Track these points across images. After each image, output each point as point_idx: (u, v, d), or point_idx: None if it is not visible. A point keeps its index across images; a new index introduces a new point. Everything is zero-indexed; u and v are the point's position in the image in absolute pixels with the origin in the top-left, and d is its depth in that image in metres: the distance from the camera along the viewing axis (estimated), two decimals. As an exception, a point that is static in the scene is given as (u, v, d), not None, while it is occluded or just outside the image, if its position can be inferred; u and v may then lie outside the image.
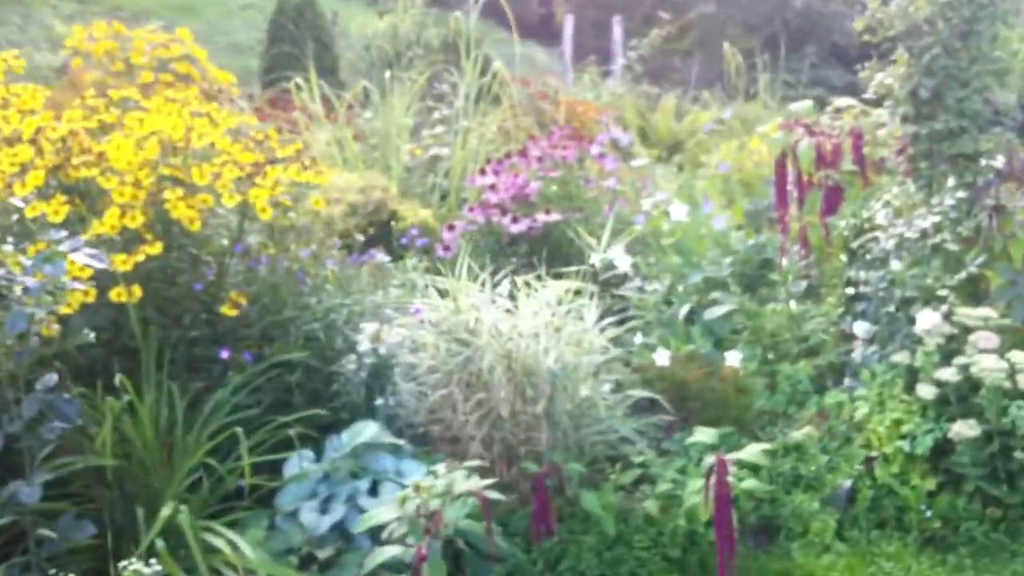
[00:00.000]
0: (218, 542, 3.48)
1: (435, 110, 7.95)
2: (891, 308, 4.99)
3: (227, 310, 4.28)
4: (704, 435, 4.25)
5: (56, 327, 3.56)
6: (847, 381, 5.08)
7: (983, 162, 5.03)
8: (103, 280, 4.01)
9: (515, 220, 5.85)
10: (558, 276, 4.61)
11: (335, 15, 12.83)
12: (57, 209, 3.89)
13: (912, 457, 4.50)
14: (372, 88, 7.95)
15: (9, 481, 3.40)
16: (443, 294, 4.39)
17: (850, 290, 5.33)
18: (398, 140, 7.24)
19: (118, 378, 3.69)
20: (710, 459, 3.89)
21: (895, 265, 5.01)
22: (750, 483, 4.16)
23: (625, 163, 6.57)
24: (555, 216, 5.80)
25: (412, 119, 7.59)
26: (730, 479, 3.97)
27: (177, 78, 9.41)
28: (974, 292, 4.93)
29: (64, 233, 3.43)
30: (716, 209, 6.21)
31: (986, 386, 4.39)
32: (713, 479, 3.82)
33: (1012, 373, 4.38)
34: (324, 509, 3.90)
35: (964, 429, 4.38)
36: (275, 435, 4.09)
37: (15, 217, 3.93)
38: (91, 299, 3.79)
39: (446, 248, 5.88)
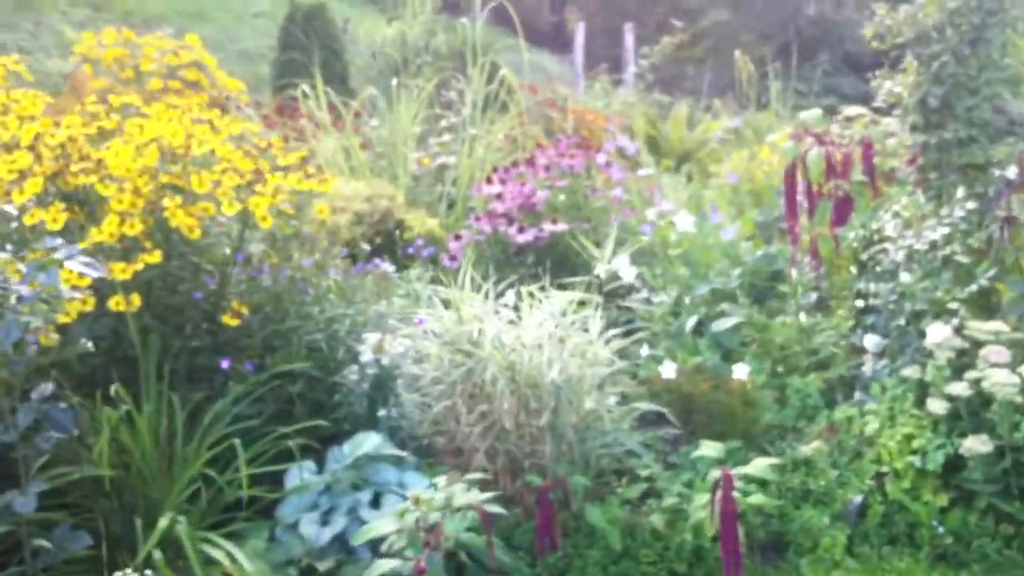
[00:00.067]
0: (216, 553, 3.44)
1: (443, 118, 7.90)
2: (901, 321, 4.93)
3: (228, 319, 4.24)
4: (710, 449, 4.19)
5: (54, 336, 3.52)
6: (857, 395, 5.01)
7: (995, 172, 4.96)
8: (103, 289, 3.97)
9: (521, 230, 5.80)
10: (564, 287, 4.56)
11: (346, 22, 12.78)
12: (55, 217, 3.85)
13: (923, 472, 4.43)
14: (379, 96, 7.90)
15: (5, 491, 3.36)
16: (447, 304, 4.34)
17: (860, 303, 5.26)
18: (405, 148, 7.20)
19: (114, 388, 3.65)
20: (715, 473, 3.83)
21: (905, 277, 4.94)
22: (757, 498, 4.10)
23: (632, 172, 6.51)
24: (562, 226, 5.75)
25: (419, 127, 7.54)
26: (737, 494, 3.92)
27: (186, 85, 9.41)
28: (985, 305, 4.86)
29: (59, 241, 3.39)
30: (725, 219, 6.15)
31: (998, 401, 4.33)
32: (719, 494, 3.76)
33: (1024, 388, 4.32)
34: (325, 521, 3.86)
35: (976, 445, 4.32)
36: (276, 446, 4.05)
37: (14, 224, 3.89)
38: (89, 308, 3.75)
39: (452, 258, 5.83)
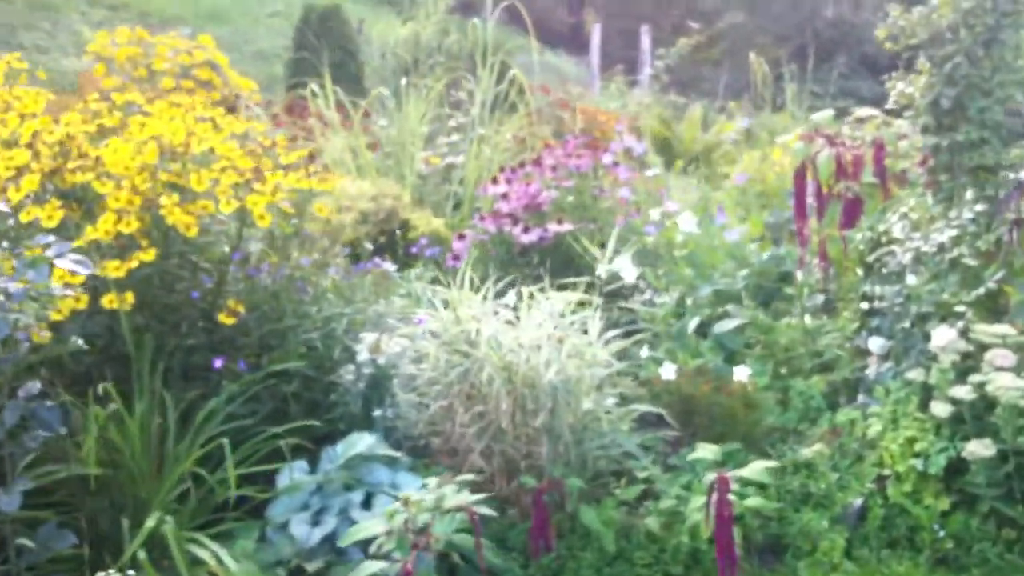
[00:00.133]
0: (203, 554, 3.42)
1: (451, 118, 7.88)
2: (906, 324, 4.87)
3: (224, 318, 4.22)
4: (706, 451, 4.15)
5: (46, 334, 3.51)
6: (861, 398, 4.96)
7: (1007, 175, 4.90)
8: (99, 287, 3.97)
9: (526, 230, 5.78)
10: (564, 287, 4.54)
11: (361, 23, 12.80)
12: (51, 214, 3.84)
13: (925, 476, 4.38)
14: (387, 95, 7.89)
15: (-8, 489, 3.35)
16: (445, 304, 4.32)
17: (865, 305, 5.21)
18: (412, 148, 7.18)
19: (101, 387, 3.63)
20: (711, 476, 3.80)
21: (911, 280, 4.89)
22: (754, 501, 4.06)
23: (640, 173, 6.48)
24: (567, 226, 5.72)
25: (427, 127, 7.53)
26: (734, 497, 3.89)
27: (198, 84, 9.43)
28: (993, 308, 4.80)
29: (51, 238, 3.37)
30: (735, 221, 6.11)
31: (1002, 405, 4.27)
32: (715, 497, 3.73)
33: (1029, 392, 4.27)
34: (316, 521, 3.83)
35: (979, 448, 4.26)
36: (270, 445, 4.03)
37: (11, 222, 3.89)
38: (83, 306, 3.74)
39: (455, 258, 5.81)
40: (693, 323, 5.05)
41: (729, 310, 5.22)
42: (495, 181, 6.23)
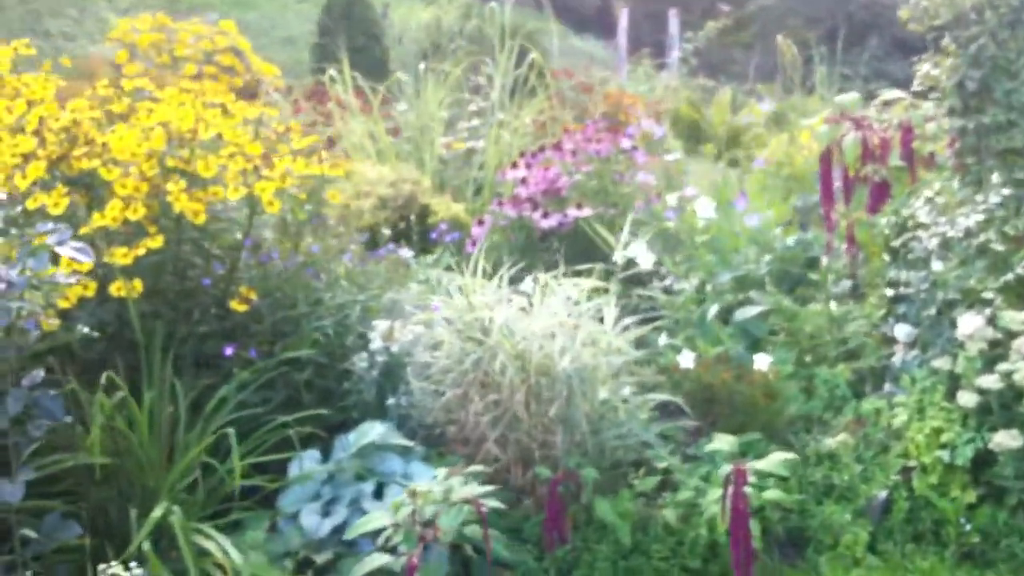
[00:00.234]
0: (210, 545, 3.37)
1: (472, 102, 7.80)
2: (932, 311, 4.77)
3: (236, 305, 4.18)
4: (723, 443, 4.06)
5: (54, 321, 3.47)
6: (887, 386, 4.86)
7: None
8: (111, 274, 3.93)
9: (546, 215, 5.71)
10: (580, 273, 4.46)
11: (386, 7, 12.73)
12: (57, 201, 3.80)
13: (952, 468, 4.28)
14: (407, 80, 7.82)
15: (-3, 478, 3.32)
16: (460, 291, 4.25)
17: (891, 291, 5.10)
18: (432, 133, 7.11)
19: (105, 375, 3.59)
20: (727, 468, 3.72)
21: (937, 266, 4.78)
22: (773, 493, 3.97)
23: (660, 157, 6.39)
24: (586, 211, 5.64)
25: (447, 112, 7.46)
26: (753, 489, 3.81)
27: (221, 70, 9.42)
28: (1022, 294, 4.68)
29: (50, 225, 3.33)
30: (762, 205, 6.01)
31: (1030, 394, 4.17)
32: (731, 490, 3.65)
33: (1058, 381, 4.16)
34: (326, 512, 3.78)
35: (1006, 440, 4.16)
36: (282, 434, 3.98)
37: (19, 208, 3.85)
38: (90, 293, 3.70)
39: (475, 243, 5.74)
40: (713, 310, 4.96)
41: (752, 296, 5.13)
42: (514, 166, 6.16)
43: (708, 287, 5.11)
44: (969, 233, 4.77)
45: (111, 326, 3.99)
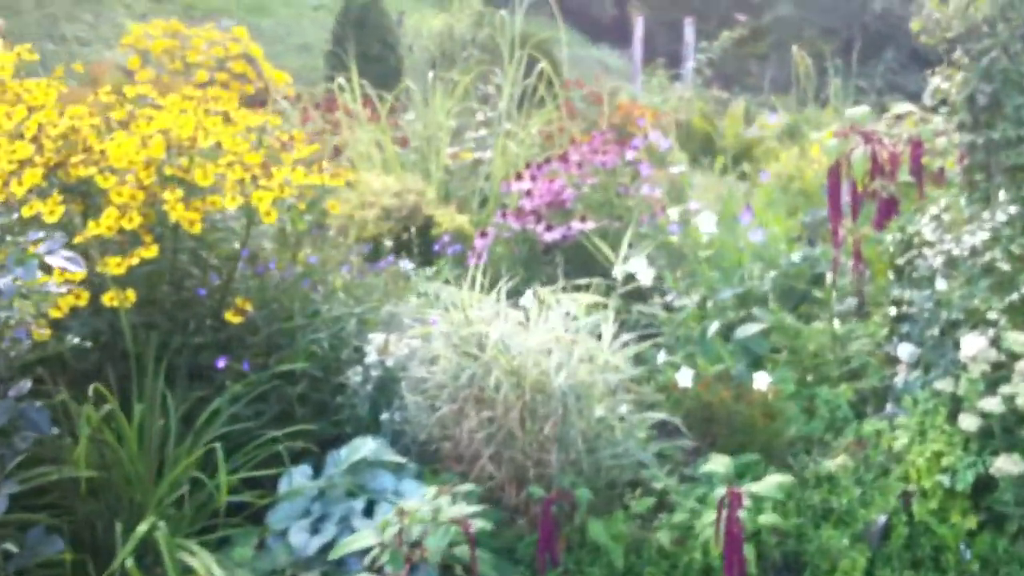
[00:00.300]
0: (194, 562, 3.34)
1: (479, 112, 7.77)
2: (936, 331, 4.70)
3: (231, 316, 4.15)
4: (718, 464, 4.01)
5: (45, 331, 3.45)
6: (889, 407, 4.80)
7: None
8: (105, 283, 3.90)
9: (549, 228, 5.67)
10: (581, 288, 4.43)
11: (401, 16, 12.73)
12: (52, 208, 3.78)
13: (952, 493, 4.21)
14: (414, 89, 7.80)
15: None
16: (456, 305, 4.21)
17: (895, 310, 5.05)
18: (439, 143, 7.08)
19: (92, 387, 3.56)
20: (721, 490, 3.67)
21: (941, 285, 4.72)
22: (768, 517, 3.92)
23: (665, 169, 6.35)
24: (590, 224, 5.60)
25: (455, 121, 7.43)
26: (749, 512, 3.76)
27: (233, 77, 9.41)
28: (1027, 316, 4.63)
29: (40, 234, 3.30)
30: (769, 220, 5.96)
31: (1033, 419, 4.11)
32: (725, 513, 3.60)
33: (1061, 406, 4.10)
34: (316, 529, 3.74)
35: (1007, 465, 4.09)
36: (274, 448, 3.95)
37: (15, 216, 3.83)
38: (83, 303, 3.67)
39: (477, 256, 5.71)
40: (714, 327, 4.91)
41: (755, 313, 5.08)
42: (519, 177, 6.12)
43: (709, 303, 5.06)
44: (975, 252, 4.71)
45: (104, 336, 3.97)
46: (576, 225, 5.63)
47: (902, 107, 6.25)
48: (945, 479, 4.20)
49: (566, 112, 8.27)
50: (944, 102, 5.27)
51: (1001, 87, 4.79)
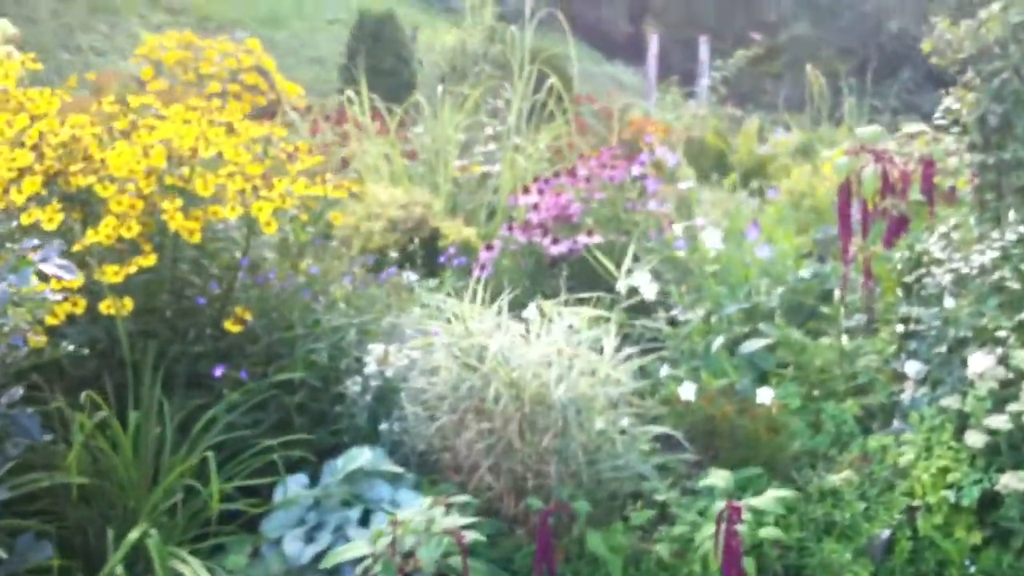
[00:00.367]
0: (185, 570, 3.32)
1: (489, 126, 7.77)
2: (943, 348, 4.67)
3: (230, 325, 4.14)
4: (718, 478, 3.98)
5: (40, 338, 3.44)
6: (896, 423, 4.76)
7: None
8: (104, 291, 3.90)
9: (555, 241, 5.65)
10: (585, 301, 4.41)
11: (415, 30, 12.77)
12: (51, 216, 3.78)
13: (958, 508, 4.17)
14: (424, 103, 7.80)
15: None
16: (457, 317, 4.20)
17: (903, 327, 5.01)
18: (447, 156, 7.08)
19: (84, 394, 3.55)
20: (721, 504, 3.64)
21: (949, 302, 4.69)
22: (769, 531, 3.88)
23: (672, 185, 6.33)
24: (596, 239, 5.58)
25: (464, 135, 7.42)
26: (749, 525, 3.73)
27: (245, 88, 9.44)
28: (1035, 334, 4.59)
29: (35, 241, 3.30)
30: (779, 236, 5.93)
31: (1039, 436, 4.07)
32: (724, 527, 3.57)
33: (1067, 424, 4.06)
34: (311, 538, 3.72)
35: (1013, 481, 4.05)
36: (272, 457, 3.93)
37: (15, 223, 3.83)
38: (79, 310, 3.67)
39: (482, 268, 5.69)
40: (718, 341, 4.88)
41: (761, 328, 5.05)
42: (526, 191, 6.12)
43: (714, 318, 5.04)
44: (984, 270, 4.68)
45: (102, 344, 3.96)
46: (582, 239, 5.61)
47: (914, 126, 6.24)
48: (950, 495, 4.16)
49: (576, 127, 8.27)
50: (956, 122, 5.25)
51: (1012, 108, 4.78)
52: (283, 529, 3.76)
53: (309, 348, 4.26)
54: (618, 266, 5.03)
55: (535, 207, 5.93)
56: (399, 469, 4.01)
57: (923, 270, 5.00)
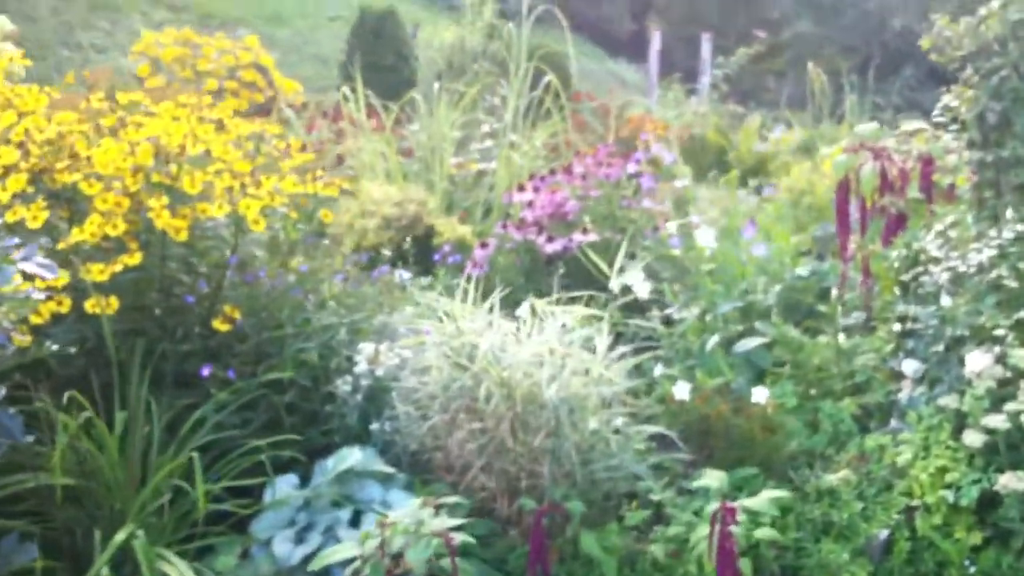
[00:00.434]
0: (172, 571, 3.28)
1: (485, 123, 7.72)
2: (941, 347, 4.63)
3: (219, 324, 4.10)
4: (712, 479, 3.93)
5: (24, 338, 3.41)
6: (893, 423, 4.71)
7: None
8: (91, 290, 3.86)
9: (550, 239, 5.61)
10: (575, 300, 4.37)
11: (416, 27, 12.72)
12: (36, 214, 3.74)
13: (957, 508, 4.13)
14: (419, 100, 7.76)
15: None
16: (448, 316, 4.16)
17: (900, 326, 4.97)
18: (443, 153, 7.03)
19: (66, 394, 3.52)
20: (713, 505, 3.60)
21: (946, 301, 4.64)
22: (764, 532, 3.84)
23: (668, 183, 6.28)
24: (591, 236, 5.54)
25: (459, 132, 7.38)
26: (745, 526, 3.69)
27: (243, 86, 9.40)
28: (1034, 333, 4.54)
29: (16, 240, 3.26)
30: (778, 234, 5.89)
31: (1038, 436, 4.02)
32: (718, 528, 3.53)
33: (1066, 423, 4.01)
34: (300, 539, 3.68)
35: (1012, 481, 4.01)
36: (259, 458, 3.89)
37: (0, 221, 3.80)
38: (64, 309, 3.63)
39: (477, 266, 5.65)
40: (713, 340, 4.84)
41: (757, 327, 5.01)
42: (521, 188, 6.07)
43: (709, 316, 4.99)
44: (981, 268, 4.63)
45: (90, 343, 3.92)
46: (578, 237, 5.57)
47: (913, 124, 6.20)
48: (949, 495, 4.12)
49: (574, 125, 8.22)
50: (955, 120, 5.21)
51: (1011, 105, 4.75)
52: (273, 530, 3.72)
53: (299, 347, 4.22)
54: (611, 265, 4.99)
55: (530, 205, 5.89)
56: (390, 469, 3.97)
57: (920, 268, 4.96)
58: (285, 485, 3.88)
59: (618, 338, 4.32)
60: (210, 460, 3.78)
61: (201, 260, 4.23)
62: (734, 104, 13.65)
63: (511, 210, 6.45)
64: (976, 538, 4.07)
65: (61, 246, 3.74)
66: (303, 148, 4.86)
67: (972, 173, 4.94)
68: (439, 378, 4.05)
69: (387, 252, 5.62)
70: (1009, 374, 4.28)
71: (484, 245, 5.79)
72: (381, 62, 11.92)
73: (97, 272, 3.76)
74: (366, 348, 4.22)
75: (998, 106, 4.76)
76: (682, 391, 4.38)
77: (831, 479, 4.34)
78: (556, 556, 3.86)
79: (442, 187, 6.86)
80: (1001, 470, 4.08)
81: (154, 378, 3.97)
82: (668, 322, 5.08)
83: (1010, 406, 4.14)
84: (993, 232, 4.68)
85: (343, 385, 4.16)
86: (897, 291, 5.14)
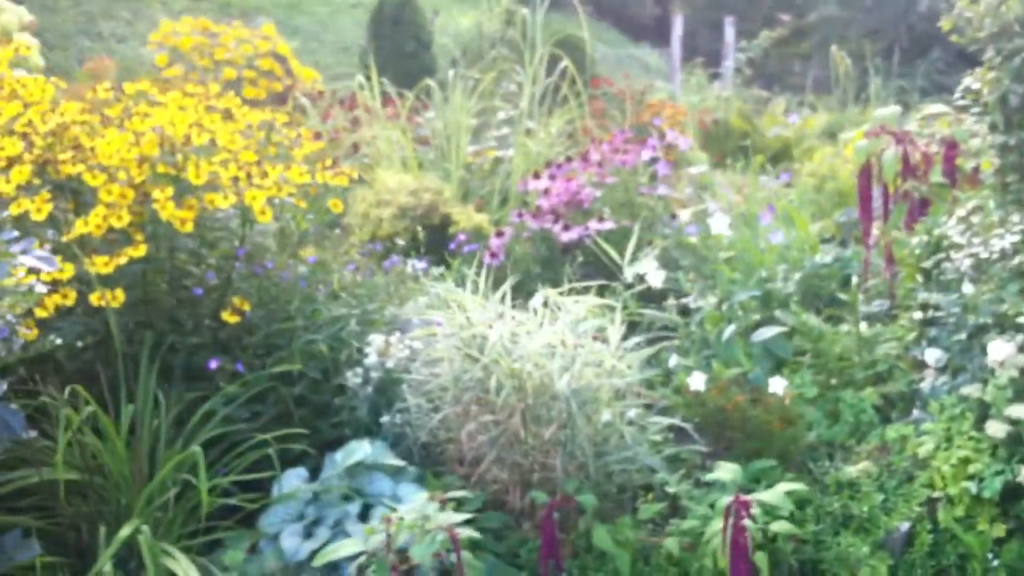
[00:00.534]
0: (176, 567, 3.24)
1: (501, 110, 7.64)
2: (963, 335, 4.53)
3: (228, 316, 4.06)
4: (727, 471, 3.87)
5: (28, 332, 3.37)
6: (916, 412, 4.63)
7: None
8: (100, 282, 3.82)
9: (567, 228, 5.54)
10: (588, 289, 4.31)
11: (435, 14, 12.62)
12: (40, 206, 3.70)
13: (979, 500, 4.04)
14: (435, 87, 7.69)
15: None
16: (459, 306, 4.10)
17: (921, 314, 4.88)
18: (459, 141, 6.96)
19: (68, 388, 3.48)
20: (727, 499, 3.53)
21: (968, 288, 4.55)
22: (780, 525, 3.77)
23: (685, 169, 6.20)
24: (608, 224, 5.46)
25: (476, 120, 7.30)
26: (760, 520, 3.63)
27: (260, 74, 9.38)
28: (1058, 320, 4.45)
29: (14, 233, 3.22)
30: (801, 221, 5.79)
31: (1061, 426, 3.94)
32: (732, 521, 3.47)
33: (1090, 413, 3.92)
34: (309, 533, 3.63)
35: (1034, 473, 3.94)
36: (268, 451, 3.85)
37: (4, 213, 3.76)
38: (70, 302, 3.59)
39: (493, 255, 5.58)
40: (730, 329, 4.75)
41: (777, 315, 4.93)
42: (536, 176, 6.00)
43: (726, 305, 4.91)
44: (1004, 255, 4.54)
45: (99, 335, 3.89)
46: (594, 225, 5.49)
47: (935, 107, 6.09)
48: (972, 486, 4.04)
49: (593, 111, 8.13)
50: (976, 102, 5.11)
51: (1034, 88, 4.64)
52: (281, 524, 3.68)
53: (309, 339, 4.17)
54: (623, 254, 4.92)
55: (546, 192, 5.82)
56: (400, 462, 3.92)
57: (942, 255, 4.86)
58: (294, 479, 3.84)
59: (634, 328, 4.24)
60: (219, 454, 3.74)
61: (210, 251, 4.19)
62: (759, 88, 13.51)
63: (527, 198, 6.38)
64: (999, 530, 3.99)
65: (66, 238, 3.70)
66: (317, 136, 4.81)
67: (995, 157, 4.83)
68: (450, 370, 4.00)
69: (402, 242, 5.56)
70: (1032, 363, 4.20)
71: (500, 234, 5.73)
72: (402, 48, 11.86)
73: (101, 264, 3.72)
74: (376, 339, 4.17)
75: (1020, 88, 4.64)
76: (698, 382, 4.31)
77: (851, 471, 4.26)
78: (569, 550, 3.81)
79: (458, 175, 6.80)
80: (1024, 461, 4.00)
81: (162, 371, 3.93)
82: (684, 311, 5.01)
83: (1033, 396, 4.07)
84: (1016, 218, 4.58)
85: (353, 377, 4.12)
86: (919, 278, 5.05)
